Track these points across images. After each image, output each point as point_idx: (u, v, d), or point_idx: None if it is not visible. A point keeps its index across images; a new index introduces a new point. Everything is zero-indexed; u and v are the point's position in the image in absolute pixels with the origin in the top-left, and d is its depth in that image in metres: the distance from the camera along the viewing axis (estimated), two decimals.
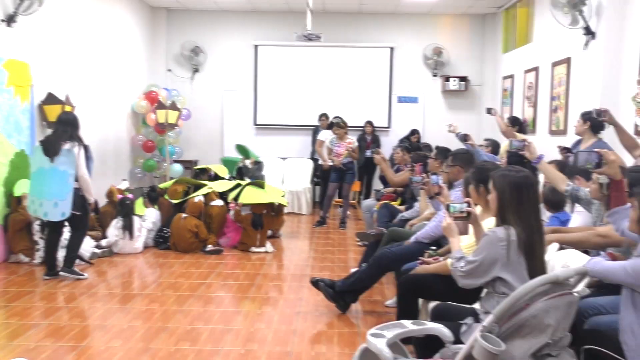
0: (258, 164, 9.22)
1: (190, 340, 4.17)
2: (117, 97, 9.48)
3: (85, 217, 5.87)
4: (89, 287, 5.51)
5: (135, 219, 7.00)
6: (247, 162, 9.22)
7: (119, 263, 6.47)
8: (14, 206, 6.38)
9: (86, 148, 5.77)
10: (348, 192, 9.16)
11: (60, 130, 5.70)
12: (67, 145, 5.59)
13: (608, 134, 5.34)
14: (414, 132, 10.65)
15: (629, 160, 4.85)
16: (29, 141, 6.83)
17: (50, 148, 5.63)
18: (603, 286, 3.18)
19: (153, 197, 7.58)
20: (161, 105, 9.73)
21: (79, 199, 5.67)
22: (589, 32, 6.72)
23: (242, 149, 9.57)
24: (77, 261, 6.16)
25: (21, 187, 6.42)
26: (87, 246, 6.44)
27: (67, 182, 5.58)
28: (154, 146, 10.13)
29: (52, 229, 5.84)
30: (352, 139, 8.95)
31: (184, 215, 7.16)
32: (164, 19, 11.12)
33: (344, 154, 8.73)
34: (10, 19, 6.43)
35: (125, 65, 9.85)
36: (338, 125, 8.82)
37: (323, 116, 10.61)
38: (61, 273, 5.74)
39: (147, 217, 7.31)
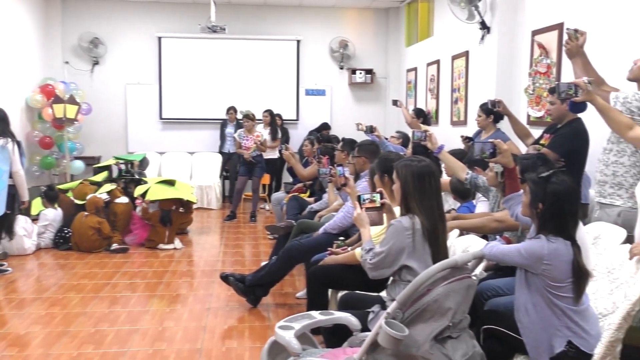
0: (141, 162, 8.87)
1: (94, 343, 4.00)
2: (8, 90, 8.89)
3: (10, 215, 5.70)
4: None
5: (23, 219, 6.63)
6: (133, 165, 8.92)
7: (14, 266, 6.10)
8: None
9: (19, 144, 5.55)
10: (257, 186, 9.09)
11: None
12: (1, 142, 5.39)
13: (504, 124, 5.61)
14: (325, 125, 10.73)
15: (523, 149, 5.12)
16: None
17: None
18: (500, 269, 3.35)
19: (51, 196, 7.21)
20: (58, 99, 9.25)
21: (10, 197, 5.50)
22: (484, 26, 7.02)
23: (121, 158, 9.23)
24: None
25: None
26: None
27: (1, 178, 5.37)
28: (51, 142, 9.62)
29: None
30: (260, 132, 8.90)
31: (85, 213, 6.86)
32: (58, 9, 10.53)
33: (252, 147, 8.66)
34: None
35: (17, 57, 9.24)
36: (247, 117, 8.77)
37: (231, 109, 10.48)
38: None
39: (42, 217, 6.95)
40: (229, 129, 10.47)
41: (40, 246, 6.88)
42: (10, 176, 5.57)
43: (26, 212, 6.81)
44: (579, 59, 3.77)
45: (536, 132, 5.01)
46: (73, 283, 5.51)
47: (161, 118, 11.01)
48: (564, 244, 2.52)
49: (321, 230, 4.75)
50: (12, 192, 5.61)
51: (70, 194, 7.38)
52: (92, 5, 10.72)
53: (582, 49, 3.76)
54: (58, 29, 10.56)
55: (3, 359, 3.73)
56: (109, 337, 4.14)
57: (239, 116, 10.41)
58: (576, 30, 3.73)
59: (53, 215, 7.04)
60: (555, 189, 2.55)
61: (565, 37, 3.79)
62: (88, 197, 6.99)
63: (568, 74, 4.30)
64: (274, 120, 9.84)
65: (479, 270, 2.49)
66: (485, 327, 2.82)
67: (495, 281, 3.20)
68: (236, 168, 10.55)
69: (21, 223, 6.58)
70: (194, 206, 8.00)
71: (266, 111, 9.88)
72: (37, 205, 7.28)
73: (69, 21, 10.66)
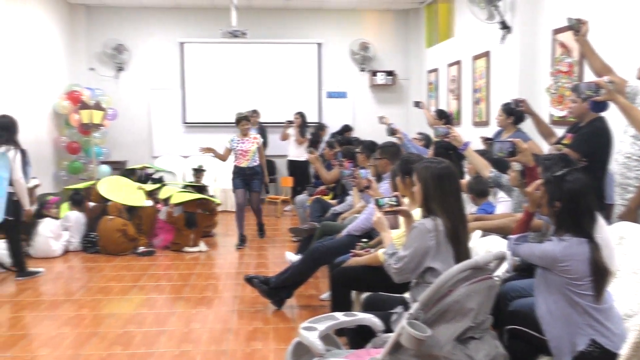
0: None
1: (122, 344, 4.09)
2: (36, 97, 9.08)
3: (18, 222, 5.75)
4: (13, 295, 5.31)
5: (50, 221, 6.79)
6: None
7: (44, 269, 6.24)
8: None
9: (23, 152, 5.64)
10: (258, 201, 7.71)
11: None
12: (2, 149, 5.48)
13: (526, 125, 5.59)
14: (347, 127, 10.76)
15: (547, 149, 5.09)
16: None
17: None
18: (524, 269, 3.35)
19: (77, 200, 7.36)
20: (85, 105, 9.43)
21: (12, 204, 5.54)
22: (505, 26, 6.99)
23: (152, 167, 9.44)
24: None
25: None
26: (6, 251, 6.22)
27: (1, 185, 5.46)
28: (79, 147, 9.80)
29: (6, 234, 5.84)
30: (257, 135, 7.71)
31: (110, 217, 7.00)
32: (83, 17, 10.74)
33: (251, 151, 7.46)
34: None
35: (44, 65, 9.45)
36: (246, 119, 7.55)
37: (254, 113, 10.56)
38: (17, 279, 5.70)
39: (65, 219, 7.11)
40: (252, 132, 10.53)
41: (68, 249, 7.02)
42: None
43: (53, 215, 6.97)
44: (582, 47, 3.78)
45: (559, 132, 4.98)
46: (101, 285, 5.62)
47: (184, 122, 11.15)
48: (578, 242, 2.53)
49: (344, 232, 4.79)
50: (15, 199, 5.66)
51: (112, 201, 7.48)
52: (116, 13, 10.90)
53: (585, 38, 3.77)
54: (83, 37, 10.76)
55: (36, 358, 3.84)
56: (136, 338, 4.22)
57: (261, 119, 10.54)
58: (578, 20, 3.72)
59: (75, 217, 7.19)
60: (571, 187, 2.57)
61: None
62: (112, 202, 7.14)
63: (590, 72, 4.28)
64: (304, 122, 10.07)
65: (501, 271, 2.51)
66: (509, 327, 2.83)
67: (520, 282, 3.20)
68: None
69: (48, 226, 6.73)
70: (218, 209, 8.10)
71: (297, 113, 10.22)
72: (64, 208, 7.44)
73: (94, 29, 10.86)
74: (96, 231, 7.00)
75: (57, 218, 7.06)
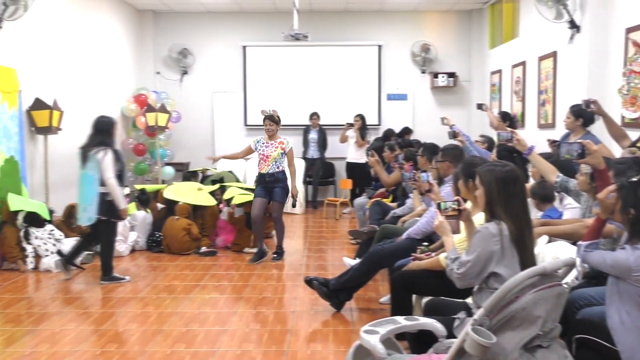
0: None
1: (186, 342, 4.18)
2: (105, 100, 9.45)
3: (109, 222, 5.80)
4: (82, 292, 5.51)
5: (120, 223, 6.99)
6: None
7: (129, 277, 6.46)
8: (9, 217, 6.33)
9: (116, 153, 5.77)
10: (280, 213, 6.67)
11: (91, 136, 5.79)
12: (93, 151, 5.65)
13: (596, 127, 5.40)
14: (407, 130, 10.68)
15: (618, 152, 4.90)
16: (18, 147, 6.82)
17: (83, 154, 5.71)
18: (593, 277, 3.22)
19: (143, 200, 7.58)
20: (151, 108, 9.72)
21: (105, 203, 5.66)
22: (573, 25, 6.77)
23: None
24: (68, 266, 6.18)
25: (18, 203, 6.38)
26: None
27: (93, 186, 5.62)
28: (144, 149, 10.12)
29: (101, 234, 5.88)
30: (284, 139, 6.82)
31: (176, 217, 7.17)
32: (150, 22, 11.10)
33: (272, 156, 6.63)
34: None
35: (113, 69, 9.83)
36: (270, 119, 6.77)
37: (314, 115, 10.64)
38: (102, 282, 5.78)
39: (131, 218, 7.33)
40: (312, 135, 10.65)
41: (135, 248, 7.24)
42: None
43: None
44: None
45: (633, 135, 4.78)
46: (165, 284, 5.77)
47: (246, 125, 11.33)
48: None
49: (404, 235, 4.74)
50: (107, 199, 5.72)
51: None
52: (181, 18, 11.20)
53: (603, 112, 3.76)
54: (150, 41, 11.11)
55: (105, 354, 3.97)
56: (199, 336, 4.31)
57: (321, 122, 10.60)
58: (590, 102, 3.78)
59: (142, 217, 7.40)
60: None
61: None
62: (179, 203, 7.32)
63: None
64: (364, 125, 10.13)
65: (570, 278, 2.43)
66: (578, 336, 2.73)
67: (588, 290, 3.08)
68: (319, 173, 10.73)
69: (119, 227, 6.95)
70: None
71: (357, 115, 10.25)
72: (131, 208, 7.67)
73: (160, 34, 11.20)
74: (161, 231, 7.18)
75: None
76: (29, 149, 7.17)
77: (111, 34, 9.79)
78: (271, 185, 6.58)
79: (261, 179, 6.65)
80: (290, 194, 6.74)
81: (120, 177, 5.73)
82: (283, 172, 6.64)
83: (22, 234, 6.26)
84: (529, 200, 4.93)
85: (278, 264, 6.69)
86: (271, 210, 6.67)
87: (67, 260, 5.93)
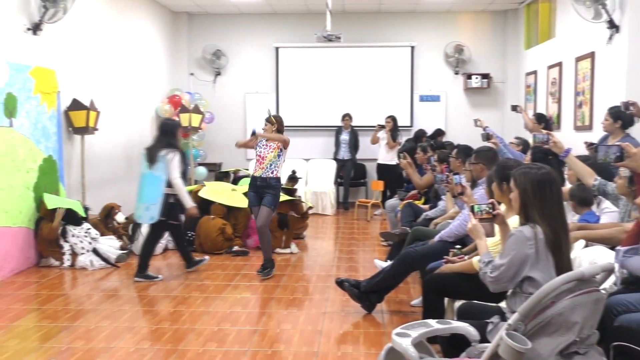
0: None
1: (217, 341, 4.21)
2: (140, 101, 9.61)
3: (164, 223, 5.92)
4: (116, 290, 5.60)
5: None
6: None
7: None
8: (46, 215, 6.48)
9: (183, 154, 5.92)
10: (265, 222, 6.04)
11: (158, 138, 5.99)
12: (162, 152, 5.80)
13: (636, 128, 5.27)
14: (439, 131, 10.59)
15: None
16: (56, 147, 6.96)
17: (150, 155, 5.87)
18: (632, 282, 3.15)
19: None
20: (184, 109, 9.84)
21: (167, 205, 5.80)
22: (612, 25, 6.63)
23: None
24: (103, 264, 6.32)
25: (53, 201, 6.52)
26: (113, 249, 6.57)
27: (158, 187, 5.77)
28: None
29: (152, 233, 6.03)
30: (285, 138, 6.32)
31: (211, 216, 7.26)
32: (185, 24, 11.24)
33: (268, 158, 6.14)
34: (36, 28, 6.56)
35: (148, 70, 9.98)
36: (268, 121, 6.35)
37: (346, 116, 10.64)
38: (135, 279, 5.90)
39: None
40: (344, 136, 10.65)
41: (167, 248, 7.33)
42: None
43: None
44: None
45: None
46: (197, 283, 5.82)
47: None
48: None
49: (437, 237, 4.70)
50: (171, 201, 5.88)
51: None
52: (215, 19, 11.31)
53: None
54: (184, 43, 11.25)
55: (138, 351, 4.03)
56: (230, 336, 4.34)
57: (353, 123, 10.59)
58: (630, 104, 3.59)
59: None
60: None
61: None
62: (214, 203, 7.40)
63: None
64: (395, 126, 10.12)
65: (608, 283, 2.37)
66: (616, 344, 2.66)
67: (627, 296, 3.01)
68: (350, 174, 10.72)
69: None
70: (310, 212, 8.20)
71: (389, 117, 10.24)
72: None
73: (194, 35, 11.32)
74: (194, 230, 7.26)
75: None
76: (67, 148, 7.33)
77: (146, 36, 9.94)
78: (262, 191, 6.06)
79: (252, 182, 6.17)
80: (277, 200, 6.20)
81: (184, 177, 5.90)
82: (277, 179, 6.13)
83: (59, 231, 6.40)
84: (566, 203, 4.85)
85: (308, 264, 6.70)
86: (260, 215, 6.04)
87: (189, 265, 6.24)
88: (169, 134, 5.95)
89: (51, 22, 6.69)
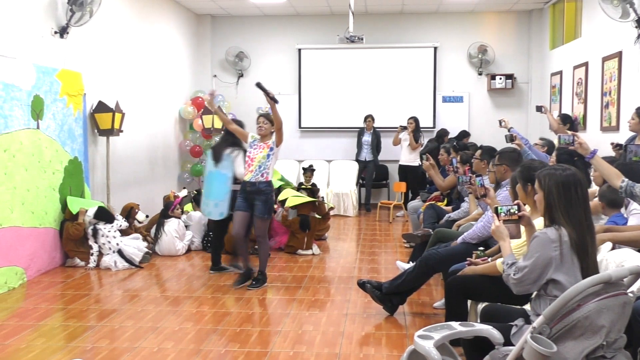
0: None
1: (239, 342, 4.23)
2: (164, 103, 9.70)
3: (230, 217, 6.09)
4: (141, 290, 5.65)
5: (176, 222, 7.16)
6: None
7: (169, 266, 6.62)
8: (71, 216, 6.56)
9: (245, 153, 6.04)
10: (263, 232, 5.75)
11: (224, 137, 6.39)
12: (228, 151, 6.11)
13: None
14: (464, 133, 10.49)
15: None
16: (82, 149, 7.06)
17: (215, 154, 6.17)
18: None
19: (199, 200, 7.72)
20: (207, 111, 9.90)
21: (234, 201, 5.97)
22: None
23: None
24: (127, 265, 6.40)
25: (77, 204, 6.61)
26: (138, 250, 6.64)
27: (225, 184, 6.05)
28: (201, 151, 10.31)
29: (218, 228, 6.43)
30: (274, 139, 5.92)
31: None
32: (208, 26, 11.32)
33: (257, 159, 5.69)
34: (63, 31, 6.66)
35: (172, 72, 10.07)
36: (266, 117, 6.15)
37: (368, 117, 10.61)
38: (210, 272, 6.29)
39: (188, 217, 7.48)
40: (366, 137, 10.63)
41: (190, 248, 7.39)
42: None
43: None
44: None
45: None
46: (220, 284, 5.85)
47: (300, 127, 11.39)
48: None
49: (460, 239, 4.67)
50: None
51: None
52: (238, 22, 11.38)
53: None
54: (208, 45, 11.33)
55: (161, 351, 4.06)
56: (252, 337, 4.35)
57: (375, 124, 10.56)
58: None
59: (198, 217, 7.54)
60: None
61: None
62: None
63: None
64: (418, 127, 10.09)
65: (636, 286, 2.33)
66: None
67: None
68: (372, 175, 10.69)
69: (174, 226, 7.12)
70: (331, 213, 8.19)
71: (411, 118, 10.22)
72: (188, 208, 7.84)
73: (217, 37, 11.40)
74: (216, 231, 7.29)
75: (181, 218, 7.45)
76: (92, 150, 7.42)
77: (170, 38, 10.03)
78: (252, 197, 5.63)
79: (242, 187, 5.74)
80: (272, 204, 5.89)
81: None
82: (268, 183, 5.68)
83: (90, 231, 6.48)
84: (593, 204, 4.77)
85: (330, 266, 6.69)
86: (255, 225, 5.71)
87: (216, 268, 6.39)
88: (231, 134, 6.17)
89: (77, 25, 6.78)
